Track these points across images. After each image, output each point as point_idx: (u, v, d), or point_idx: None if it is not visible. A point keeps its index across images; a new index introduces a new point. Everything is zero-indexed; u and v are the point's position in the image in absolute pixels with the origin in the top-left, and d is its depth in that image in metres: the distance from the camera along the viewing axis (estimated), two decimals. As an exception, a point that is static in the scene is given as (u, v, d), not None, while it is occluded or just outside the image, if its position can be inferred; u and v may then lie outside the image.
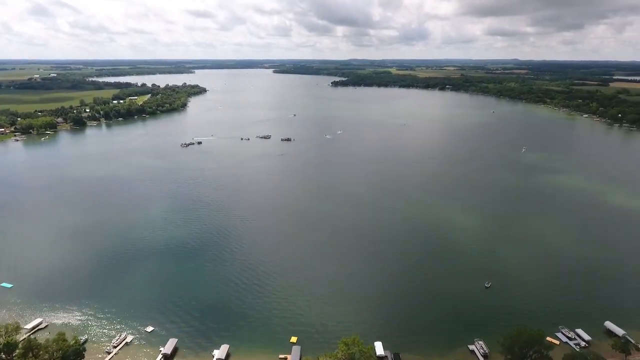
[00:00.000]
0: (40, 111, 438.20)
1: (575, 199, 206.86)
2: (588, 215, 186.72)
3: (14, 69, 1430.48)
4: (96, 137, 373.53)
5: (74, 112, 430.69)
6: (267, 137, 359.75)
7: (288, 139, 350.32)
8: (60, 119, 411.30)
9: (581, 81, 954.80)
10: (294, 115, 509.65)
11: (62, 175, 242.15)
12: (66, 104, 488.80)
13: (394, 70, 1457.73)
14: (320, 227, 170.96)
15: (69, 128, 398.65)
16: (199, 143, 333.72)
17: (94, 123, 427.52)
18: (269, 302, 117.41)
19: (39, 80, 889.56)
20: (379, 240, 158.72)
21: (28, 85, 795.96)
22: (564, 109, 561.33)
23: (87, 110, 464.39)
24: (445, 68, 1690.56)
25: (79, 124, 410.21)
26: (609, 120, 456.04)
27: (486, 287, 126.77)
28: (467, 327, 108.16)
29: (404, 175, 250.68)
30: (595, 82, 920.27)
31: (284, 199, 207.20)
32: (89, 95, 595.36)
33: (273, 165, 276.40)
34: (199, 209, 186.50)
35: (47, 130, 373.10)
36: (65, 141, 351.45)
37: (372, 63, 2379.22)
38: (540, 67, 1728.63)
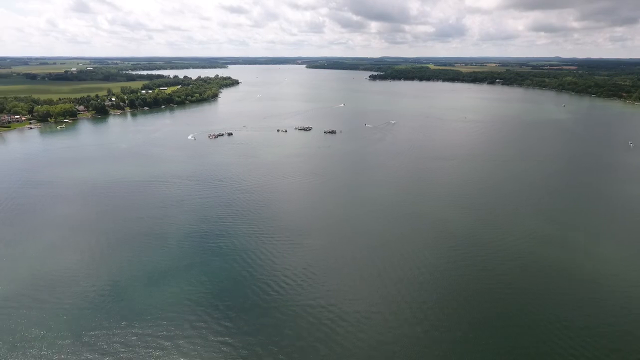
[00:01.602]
0: (62, 99, 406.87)
1: None
2: None
3: (54, 63, 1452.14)
4: (118, 126, 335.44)
5: (96, 100, 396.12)
6: (307, 129, 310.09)
7: (332, 132, 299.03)
8: (81, 107, 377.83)
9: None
10: (343, 105, 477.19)
11: (65, 169, 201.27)
12: (93, 94, 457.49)
13: (431, 66, 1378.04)
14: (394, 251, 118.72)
15: (90, 116, 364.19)
16: (230, 134, 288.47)
17: (118, 112, 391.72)
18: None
19: (74, 72, 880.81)
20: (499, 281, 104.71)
21: (62, 77, 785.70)
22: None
23: (113, 98, 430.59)
24: (486, 64, 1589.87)
25: (101, 112, 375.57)
26: None
27: None
28: None
29: (507, 182, 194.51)
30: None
31: (335, 207, 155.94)
32: (119, 86, 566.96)
33: (318, 161, 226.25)
34: (221, 225, 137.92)
35: (65, 119, 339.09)
36: (84, 129, 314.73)
37: (406, 60, 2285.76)
38: (587, 64, 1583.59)
